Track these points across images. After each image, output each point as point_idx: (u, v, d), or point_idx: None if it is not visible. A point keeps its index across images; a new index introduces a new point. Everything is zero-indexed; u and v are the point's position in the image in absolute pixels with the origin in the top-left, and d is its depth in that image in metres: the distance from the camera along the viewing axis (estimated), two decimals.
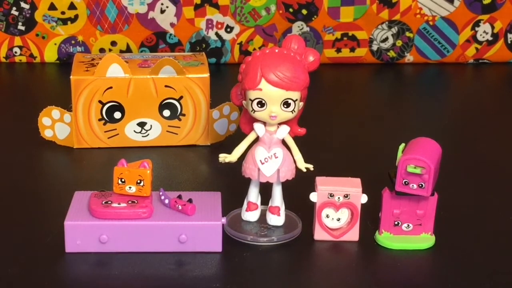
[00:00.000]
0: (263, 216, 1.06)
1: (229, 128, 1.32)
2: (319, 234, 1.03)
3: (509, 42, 1.75)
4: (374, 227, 1.04)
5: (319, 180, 1.03)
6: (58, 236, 1.00)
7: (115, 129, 1.29)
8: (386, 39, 1.73)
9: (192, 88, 1.28)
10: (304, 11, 1.70)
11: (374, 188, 1.03)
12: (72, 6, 1.67)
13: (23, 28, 1.69)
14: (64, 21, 1.68)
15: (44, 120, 1.28)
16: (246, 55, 1.63)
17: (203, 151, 1.31)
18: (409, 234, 1.03)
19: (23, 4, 1.67)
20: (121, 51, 1.69)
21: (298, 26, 1.71)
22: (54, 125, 1.28)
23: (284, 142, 1.03)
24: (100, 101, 1.27)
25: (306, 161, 1.03)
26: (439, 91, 1.66)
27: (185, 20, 1.69)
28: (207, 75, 1.29)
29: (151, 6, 1.68)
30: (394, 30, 1.72)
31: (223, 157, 1.04)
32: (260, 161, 1.02)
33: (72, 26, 1.68)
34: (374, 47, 1.73)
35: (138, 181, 1.00)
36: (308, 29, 1.71)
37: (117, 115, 1.28)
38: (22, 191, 1.16)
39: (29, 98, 1.55)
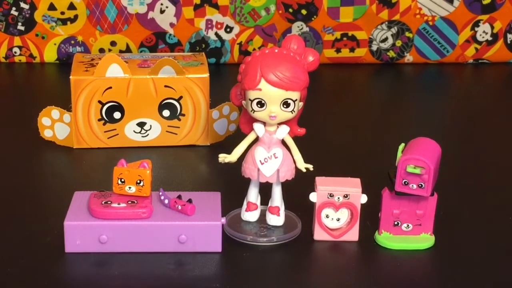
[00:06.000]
0: (262, 216, 1.06)
1: (228, 128, 1.32)
2: (319, 234, 1.03)
3: (508, 42, 1.75)
4: (374, 227, 1.04)
5: (318, 180, 1.03)
6: (58, 236, 1.00)
7: (115, 129, 1.29)
8: (386, 39, 1.73)
9: (191, 88, 1.28)
10: (304, 11, 1.70)
11: (373, 188, 1.03)
12: (71, 6, 1.67)
13: (22, 28, 1.69)
14: (64, 21, 1.68)
15: (44, 120, 1.28)
16: (245, 55, 1.63)
17: (202, 151, 1.30)
18: (408, 234, 1.03)
19: (22, 4, 1.67)
20: (121, 51, 1.69)
21: (298, 26, 1.71)
22: (53, 125, 1.28)
23: (283, 142, 1.03)
24: (99, 101, 1.27)
25: (305, 161, 1.03)
26: (438, 91, 1.66)
27: (184, 20, 1.69)
28: (206, 75, 1.29)
29: (150, 6, 1.68)
30: (394, 30, 1.72)
31: (223, 157, 1.04)
32: (260, 161, 1.02)
33: (71, 26, 1.68)
34: (374, 47, 1.73)
35: (138, 181, 1.00)
36: (307, 29, 1.71)
37: (117, 115, 1.28)
38: (22, 191, 1.16)
39: (29, 98, 1.55)
